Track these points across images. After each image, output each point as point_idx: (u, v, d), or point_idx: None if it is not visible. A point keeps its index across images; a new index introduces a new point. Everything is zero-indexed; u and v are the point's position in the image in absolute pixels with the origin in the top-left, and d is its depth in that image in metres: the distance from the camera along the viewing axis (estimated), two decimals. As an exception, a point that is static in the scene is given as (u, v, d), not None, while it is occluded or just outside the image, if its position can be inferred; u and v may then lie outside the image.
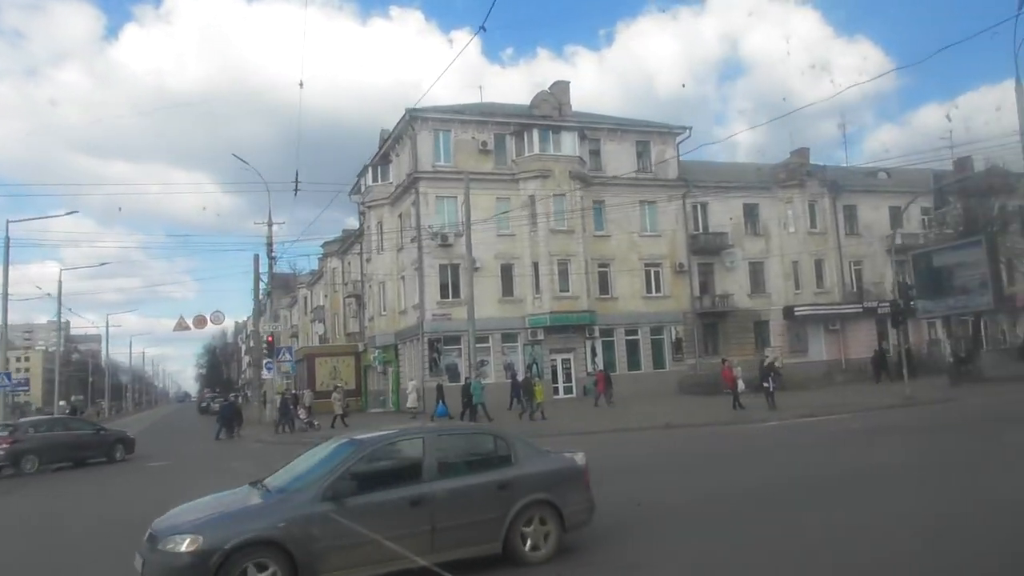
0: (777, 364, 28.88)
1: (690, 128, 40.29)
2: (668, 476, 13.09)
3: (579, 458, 8.01)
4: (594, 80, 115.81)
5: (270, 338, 37.03)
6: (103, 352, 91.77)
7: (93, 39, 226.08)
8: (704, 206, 40.70)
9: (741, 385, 24.87)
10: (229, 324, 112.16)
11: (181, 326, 42.48)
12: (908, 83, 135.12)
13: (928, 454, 14.02)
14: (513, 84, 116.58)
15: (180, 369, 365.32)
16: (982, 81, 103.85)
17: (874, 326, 42.08)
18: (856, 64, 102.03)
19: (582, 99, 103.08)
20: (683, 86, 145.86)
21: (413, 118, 35.84)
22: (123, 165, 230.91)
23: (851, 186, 43.67)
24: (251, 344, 50.20)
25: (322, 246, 54.35)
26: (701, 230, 40.34)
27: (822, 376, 37.05)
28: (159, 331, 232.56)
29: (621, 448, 17.26)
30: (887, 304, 35.75)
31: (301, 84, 30.75)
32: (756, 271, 41.53)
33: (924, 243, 39.14)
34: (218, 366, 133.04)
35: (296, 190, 30.57)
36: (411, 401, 31.08)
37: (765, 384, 23.13)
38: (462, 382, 30.00)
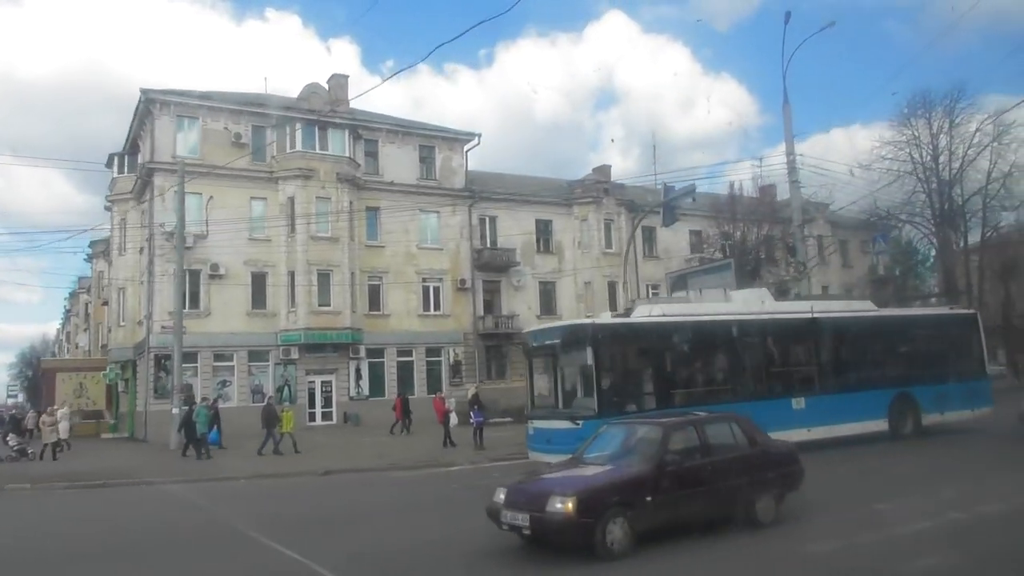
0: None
1: (479, 135, 37.69)
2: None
3: None
4: (474, 98, 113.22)
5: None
6: None
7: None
8: (493, 219, 38.11)
9: (454, 419, 21.91)
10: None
11: None
12: (769, 120, 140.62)
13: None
14: (392, 97, 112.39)
15: None
16: (833, 125, 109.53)
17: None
18: (721, 99, 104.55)
19: (459, 116, 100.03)
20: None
21: (151, 101, 31.26)
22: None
23: (651, 207, 42.36)
24: None
25: (89, 245, 48.20)
26: (488, 245, 37.71)
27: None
28: None
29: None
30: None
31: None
32: (547, 291, 39.30)
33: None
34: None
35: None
36: (62, 431, 25.00)
37: (470, 419, 20.23)
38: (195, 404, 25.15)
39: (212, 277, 31.10)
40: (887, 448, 16.89)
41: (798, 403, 16.85)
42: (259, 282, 32.09)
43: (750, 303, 18.35)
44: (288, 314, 31.96)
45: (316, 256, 32.26)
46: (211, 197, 31.15)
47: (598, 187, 40.09)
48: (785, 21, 27.08)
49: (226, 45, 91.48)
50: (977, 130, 44.07)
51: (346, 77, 36.13)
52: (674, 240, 42.50)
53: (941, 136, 45.41)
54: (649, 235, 42.63)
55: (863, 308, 20.19)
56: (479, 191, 37.36)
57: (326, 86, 35.27)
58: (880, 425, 17.77)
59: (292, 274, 32.07)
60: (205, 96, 32.39)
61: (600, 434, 10.18)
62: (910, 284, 51.40)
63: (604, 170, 42.77)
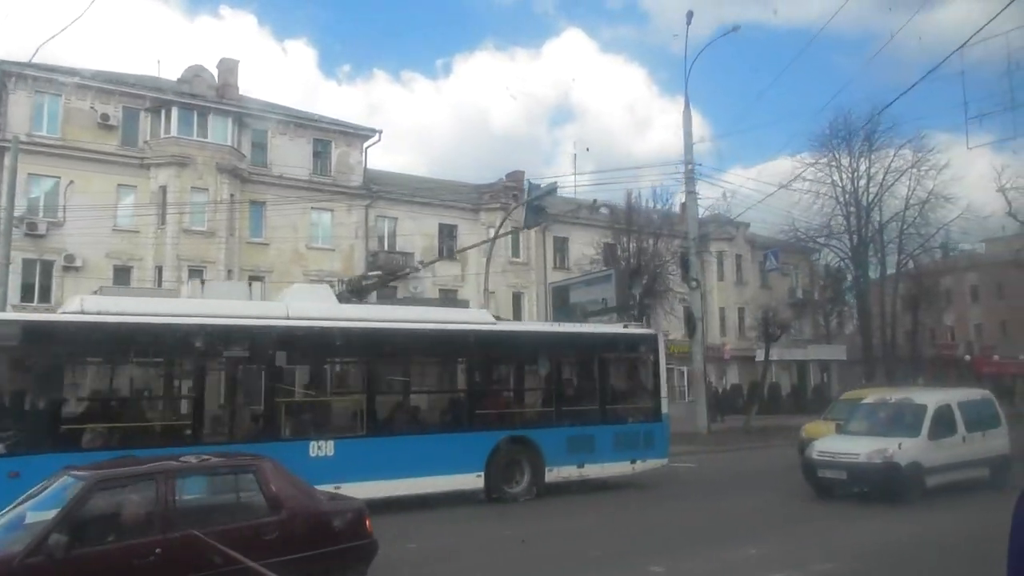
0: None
1: (380, 132, 35.62)
2: None
3: None
4: (430, 108, 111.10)
5: None
6: None
7: None
8: (394, 222, 36.04)
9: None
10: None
11: None
12: (724, 145, 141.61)
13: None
14: (349, 101, 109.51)
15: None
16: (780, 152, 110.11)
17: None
18: (675, 121, 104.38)
19: (414, 124, 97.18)
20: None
21: (5, 74, 28.47)
22: None
23: (564, 217, 40.86)
24: None
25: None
26: (386, 248, 35.61)
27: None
28: None
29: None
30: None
31: None
32: (448, 299, 37.22)
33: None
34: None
35: None
36: None
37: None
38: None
39: (67, 269, 28.35)
40: (473, 515, 12.52)
41: (320, 448, 11.95)
42: (122, 277, 29.36)
43: (308, 302, 13.52)
44: (153, 313, 29.32)
45: (188, 251, 29.74)
46: (71, 182, 28.54)
47: (507, 193, 38.33)
48: (687, 22, 25.91)
49: (179, 40, 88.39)
50: (895, 154, 43.76)
51: (236, 62, 33.80)
52: (588, 252, 41.03)
53: (861, 160, 45.02)
54: (561, 245, 41.09)
55: (474, 320, 14.72)
56: (378, 191, 35.28)
57: (215, 70, 32.92)
58: (474, 481, 13.09)
59: (159, 269, 29.49)
60: (71, 72, 29.67)
61: None
62: (835, 310, 51.03)
63: (517, 176, 41.05)
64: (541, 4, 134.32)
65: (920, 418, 13.14)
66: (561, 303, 25.28)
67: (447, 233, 37.54)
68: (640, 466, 14.90)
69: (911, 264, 46.28)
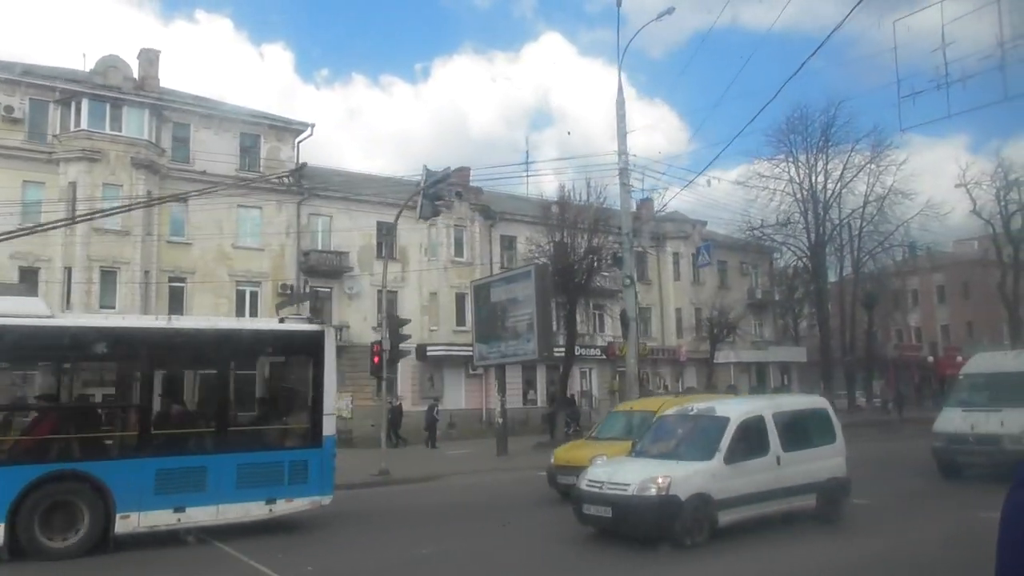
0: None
1: (312, 125, 34.11)
2: None
3: None
4: (409, 112, 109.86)
5: None
6: None
7: None
8: (328, 219, 34.46)
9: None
10: None
11: None
12: (699, 147, 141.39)
13: None
14: (327, 105, 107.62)
15: None
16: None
17: (538, 372, 38.02)
18: (654, 124, 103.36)
19: (395, 129, 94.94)
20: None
21: None
22: None
23: (511, 215, 39.51)
24: None
25: None
26: (320, 247, 34.03)
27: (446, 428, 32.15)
28: None
29: None
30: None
31: None
32: (388, 300, 35.68)
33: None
34: None
35: None
36: None
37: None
38: None
39: (-35, 271, 26.55)
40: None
41: None
42: (29, 278, 27.52)
43: None
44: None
45: (100, 251, 28.08)
46: (-29, 178, 26.75)
47: (451, 189, 36.79)
48: (617, 5, 24.55)
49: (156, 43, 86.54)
50: (852, 150, 42.81)
51: (157, 52, 32.13)
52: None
53: (819, 156, 44.04)
54: (509, 244, 39.67)
55: (14, 312, 10.01)
56: (310, 187, 33.70)
57: (134, 62, 31.23)
58: None
59: (69, 270, 27.78)
60: (-29, 61, 27.96)
61: None
62: (791, 310, 50.02)
63: (463, 172, 39.56)
64: (519, 7, 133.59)
65: (718, 435, 10.03)
66: (484, 302, 23.78)
67: (386, 231, 35.99)
68: (282, 507, 11.03)
69: (871, 264, 45.35)
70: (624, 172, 24.15)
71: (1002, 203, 56.86)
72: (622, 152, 24.24)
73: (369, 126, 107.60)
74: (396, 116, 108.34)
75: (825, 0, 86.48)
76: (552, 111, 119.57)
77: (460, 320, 37.03)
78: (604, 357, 39.93)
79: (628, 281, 23.92)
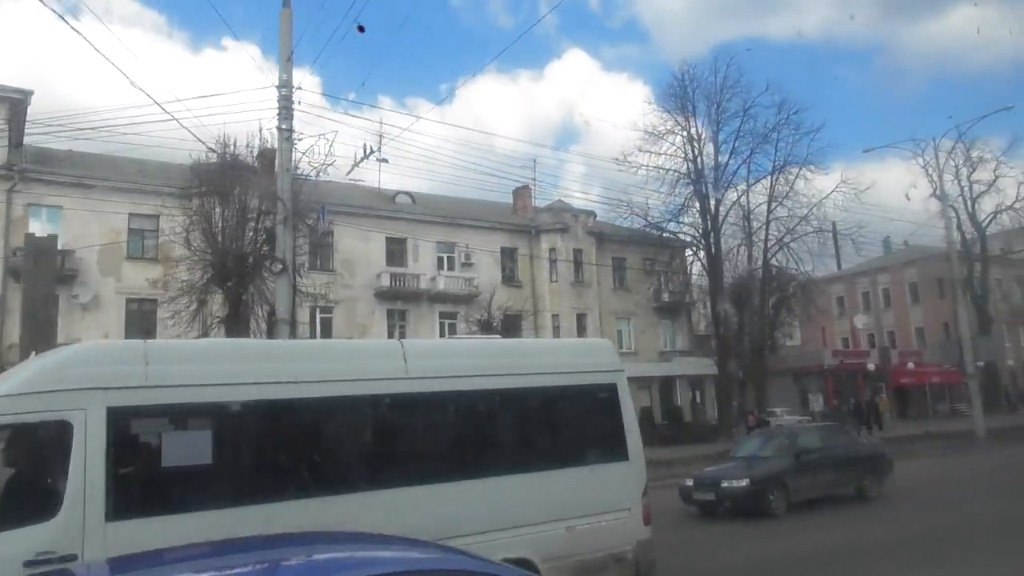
0: None
1: (31, 92, 27.65)
2: None
3: None
4: (434, 132, 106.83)
5: None
6: None
7: None
8: (56, 211, 27.87)
9: None
10: None
11: None
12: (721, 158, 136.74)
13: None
14: (354, 127, 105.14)
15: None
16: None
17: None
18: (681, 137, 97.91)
19: (421, 148, 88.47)
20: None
21: None
22: None
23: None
24: None
25: None
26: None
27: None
28: None
29: None
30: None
31: None
32: (142, 312, 28.92)
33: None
34: None
35: None
36: None
37: None
38: None
39: None
40: None
41: None
42: None
43: None
44: None
45: None
46: None
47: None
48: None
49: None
50: (746, 111, 35.47)
51: None
52: (366, 250, 32.81)
53: (709, 120, 36.81)
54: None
55: None
56: (32, 170, 27.23)
57: None
58: None
59: None
60: None
61: None
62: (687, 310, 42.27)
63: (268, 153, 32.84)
64: (542, 26, 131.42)
65: None
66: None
67: (141, 226, 29.37)
68: None
69: (787, 256, 37.68)
70: (285, 111, 17.18)
71: (963, 184, 49.10)
72: (284, 84, 17.28)
73: (397, 149, 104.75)
74: (422, 136, 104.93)
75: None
76: (576, 126, 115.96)
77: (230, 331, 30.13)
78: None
79: (280, 267, 16.81)
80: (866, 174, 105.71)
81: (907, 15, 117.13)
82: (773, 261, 37.11)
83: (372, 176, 35.94)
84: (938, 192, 48.97)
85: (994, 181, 47.77)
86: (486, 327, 28.65)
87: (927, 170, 39.63)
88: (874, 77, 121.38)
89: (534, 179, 51.26)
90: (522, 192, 40.32)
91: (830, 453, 15.42)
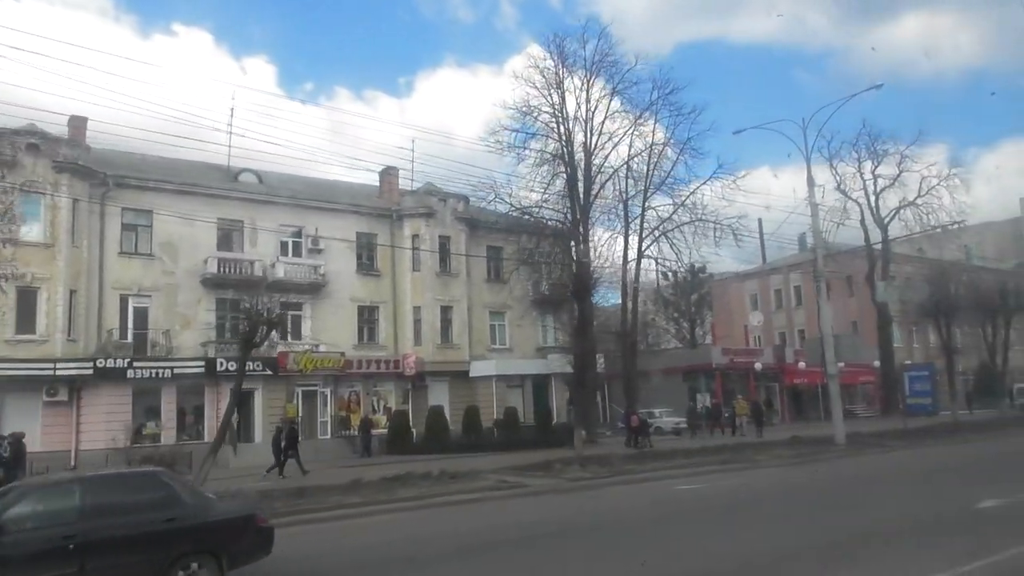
0: None
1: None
2: None
3: None
4: (393, 125, 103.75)
5: None
6: None
7: None
8: None
9: None
10: None
11: None
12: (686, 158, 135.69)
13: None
14: (311, 120, 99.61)
15: None
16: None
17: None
18: (639, 135, 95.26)
19: (378, 143, 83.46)
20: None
21: None
22: None
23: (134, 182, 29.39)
24: None
25: None
26: None
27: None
28: None
29: None
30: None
31: None
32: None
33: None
34: None
35: None
36: None
37: None
38: None
39: None
40: None
41: None
42: None
43: None
44: None
45: None
46: None
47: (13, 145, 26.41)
48: None
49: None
50: (621, 78, 33.03)
51: None
52: (184, 234, 29.60)
53: (580, 102, 34.22)
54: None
55: None
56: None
57: None
58: None
59: None
60: None
61: None
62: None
63: (79, 122, 29.39)
64: (502, 21, 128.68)
65: None
66: None
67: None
68: None
69: (668, 245, 35.30)
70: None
71: (867, 179, 47.52)
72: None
73: (354, 140, 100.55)
74: (380, 130, 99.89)
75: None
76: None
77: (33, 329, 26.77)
78: (269, 373, 29.60)
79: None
80: (783, 179, 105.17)
81: (860, 20, 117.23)
82: (648, 253, 34.74)
83: (222, 153, 32.97)
84: (841, 186, 47.50)
85: (898, 176, 46.28)
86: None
87: (800, 150, 37.64)
88: (828, 82, 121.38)
89: (411, 161, 48.47)
90: (389, 174, 37.34)
91: (97, 527, 7.83)
